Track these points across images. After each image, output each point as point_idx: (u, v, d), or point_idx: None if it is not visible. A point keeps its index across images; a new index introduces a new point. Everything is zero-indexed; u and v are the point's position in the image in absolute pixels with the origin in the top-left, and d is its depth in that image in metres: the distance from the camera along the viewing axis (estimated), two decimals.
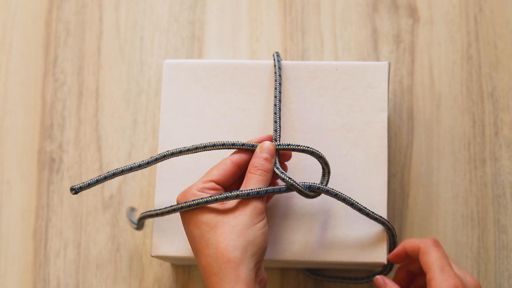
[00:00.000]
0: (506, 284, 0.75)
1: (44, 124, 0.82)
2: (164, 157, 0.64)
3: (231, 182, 0.63)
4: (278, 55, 0.70)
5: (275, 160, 0.63)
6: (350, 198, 0.64)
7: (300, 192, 0.63)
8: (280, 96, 0.67)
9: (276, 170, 0.63)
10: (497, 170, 0.77)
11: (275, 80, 0.68)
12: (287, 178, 0.62)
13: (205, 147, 0.64)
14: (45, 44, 0.83)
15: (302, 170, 0.68)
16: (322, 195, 0.64)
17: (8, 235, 0.80)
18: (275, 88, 0.68)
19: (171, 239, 0.68)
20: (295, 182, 0.62)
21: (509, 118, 0.78)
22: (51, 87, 0.82)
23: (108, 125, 0.81)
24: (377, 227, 0.66)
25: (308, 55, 0.81)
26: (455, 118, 0.79)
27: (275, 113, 0.66)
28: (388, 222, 0.65)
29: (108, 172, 0.63)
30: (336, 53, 0.81)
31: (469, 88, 0.79)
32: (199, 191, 0.61)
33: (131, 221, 0.73)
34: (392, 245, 0.67)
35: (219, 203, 0.61)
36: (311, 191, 0.63)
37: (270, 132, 0.68)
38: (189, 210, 0.61)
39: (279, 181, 0.65)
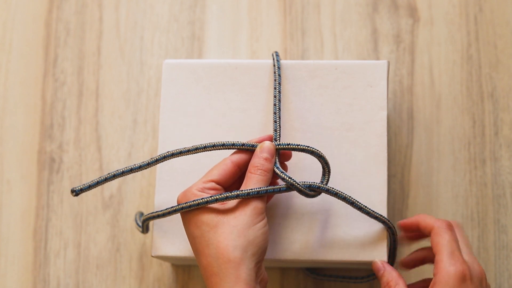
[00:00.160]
0: (506, 284, 0.75)
1: (44, 124, 0.82)
2: (164, 158, 0.64)
3: (231, 182, 0.63)
4: (277, 55, 0.70)
5: (275, 160, 0.63)
6: (350, 197, 0.64)
7: (300, 192, 0.63)
8: (279, 96, 0.67)
9: (276, 169, 0.63)
10: (497, 170, 0.77)
11: (275, 80, 0.68)
12: (287, 178, 0.62)
13: (205, 148, 0.64)
14: (45, 44, 0.84)
15: (302, 169, 0.68)
16: (322, 194, 0.64)
17: (8, 235, 0.80)
18: (275, 88, 0.68)
19: (171, 239, 0.68)
20: (295, 181, 0.62)
21: (509, 118, 0.78)
22: (51, 87, 0.82)
23: (108, 125, 0.81)
24: (377, 226, 0.66)
25: (308, 55, 0.81)
26: (455, 118, 0.79)
27: (275, 113, 0.66)
28: (389, 221, 0.65)
29: (108, 173, 0.63)
30: (336, 53, 0.81)
31: (469, 88, 0.79)
32: (199, 191, 0.61)
33: (138, 225, 0.73)
34: (392, 243, 0.67)
35: (220, 203, 0.61)
36: (311, 191, 0.63)
37: (270, 131, 0.68)
38: (189, 210, 0.61)
39: (279, 181, 0.65)
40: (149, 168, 0.79)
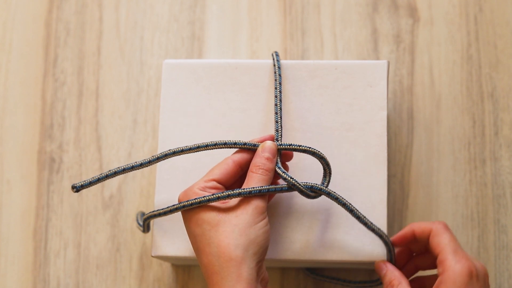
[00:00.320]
0: (506, 284, 0.75)
1: (44, 124, 0.82)
2: (166, 156, 0.64)
3: (233, 181, 0.63)
4: (277, 55, 0.70)
5: (277, 159, 0.63)
6: (350, 204, 0.64)
7: (302, 192, 0.63)
8: (280, 96, 0.67)
9: (277, 169, 0.63)
10: (497, 170, 0.77)
11: (275, 80, 0.68)
12: (289, 178, 0.62)
13: (206, 146, 0.64)
14: (45, 44, 0.83)
15: (303, 169, 0.67)
16: None
17: (8, 235, 0.80)
18: (275, 88, 0.68)
19: (171, 239, 0.68)
20: (296, 182, 0.62)
21: (509, 118, 0.78)
22: (51, 87, 0.82)
23: (108, 125, 0.81)
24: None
25: (308, 55, 0.81)
26: (455, 118, 0.79)
27: (276, 113, 0.66)
28: (386, 236, 0.65)
29: (109, 170, 0.63)
30: (336, 53, 0.81)
31: (469, 88, 0.79)
32: (200, 190, 0.61)
33: (139, 224, 0.73)
34: (390, 259, 0.66)
35: (221, 202, 0.61)
36: (312, 192, 0.63)
37: (270, 131, 0.68)
38: (190, 209, 0.61)
39: (280, 181, 0.65)
40: (149, 168, 0.79)
